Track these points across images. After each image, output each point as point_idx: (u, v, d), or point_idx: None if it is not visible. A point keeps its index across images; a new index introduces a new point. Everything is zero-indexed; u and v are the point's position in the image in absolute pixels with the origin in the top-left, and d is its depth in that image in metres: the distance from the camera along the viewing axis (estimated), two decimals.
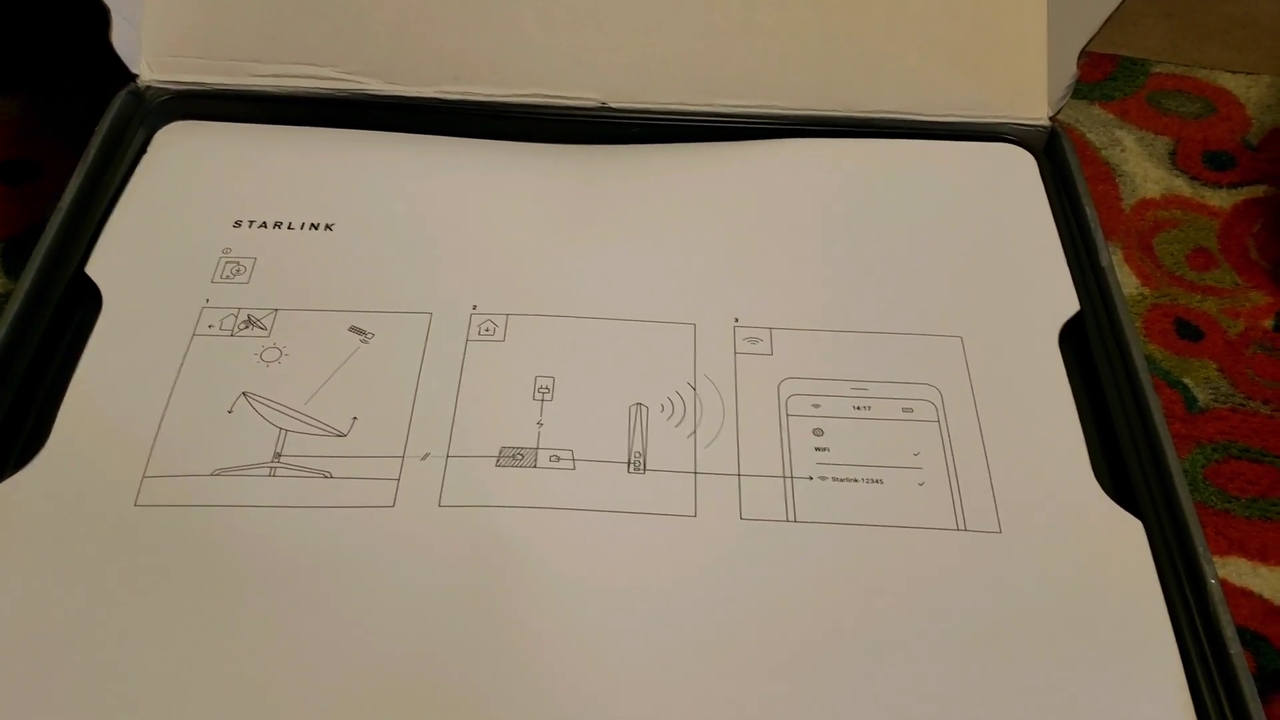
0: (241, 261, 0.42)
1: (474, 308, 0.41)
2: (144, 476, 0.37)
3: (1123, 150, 0.60)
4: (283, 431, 0.38)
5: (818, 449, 0.39)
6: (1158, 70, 0.63)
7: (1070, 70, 0.47)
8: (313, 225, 0.44)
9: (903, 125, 0.48)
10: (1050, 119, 0.48)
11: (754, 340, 0.41)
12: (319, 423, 0.38)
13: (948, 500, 0.37)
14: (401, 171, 0.46)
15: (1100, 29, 0.45)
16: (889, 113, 0.48)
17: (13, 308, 0.40)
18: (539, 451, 0.38)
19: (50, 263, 0.42)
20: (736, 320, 0.42)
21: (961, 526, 0.37)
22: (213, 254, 0.43)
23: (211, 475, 0.37)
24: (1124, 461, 0.39)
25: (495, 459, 0.38)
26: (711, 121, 0.48)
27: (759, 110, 0.48)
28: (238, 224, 0.44)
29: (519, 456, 0.38)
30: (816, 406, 0.40)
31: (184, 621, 0.34)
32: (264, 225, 0.44)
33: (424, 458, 0.37)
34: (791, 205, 0.46)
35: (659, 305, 0.42)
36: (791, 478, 0.38)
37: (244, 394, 0.39)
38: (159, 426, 0.38)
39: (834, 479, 0.38)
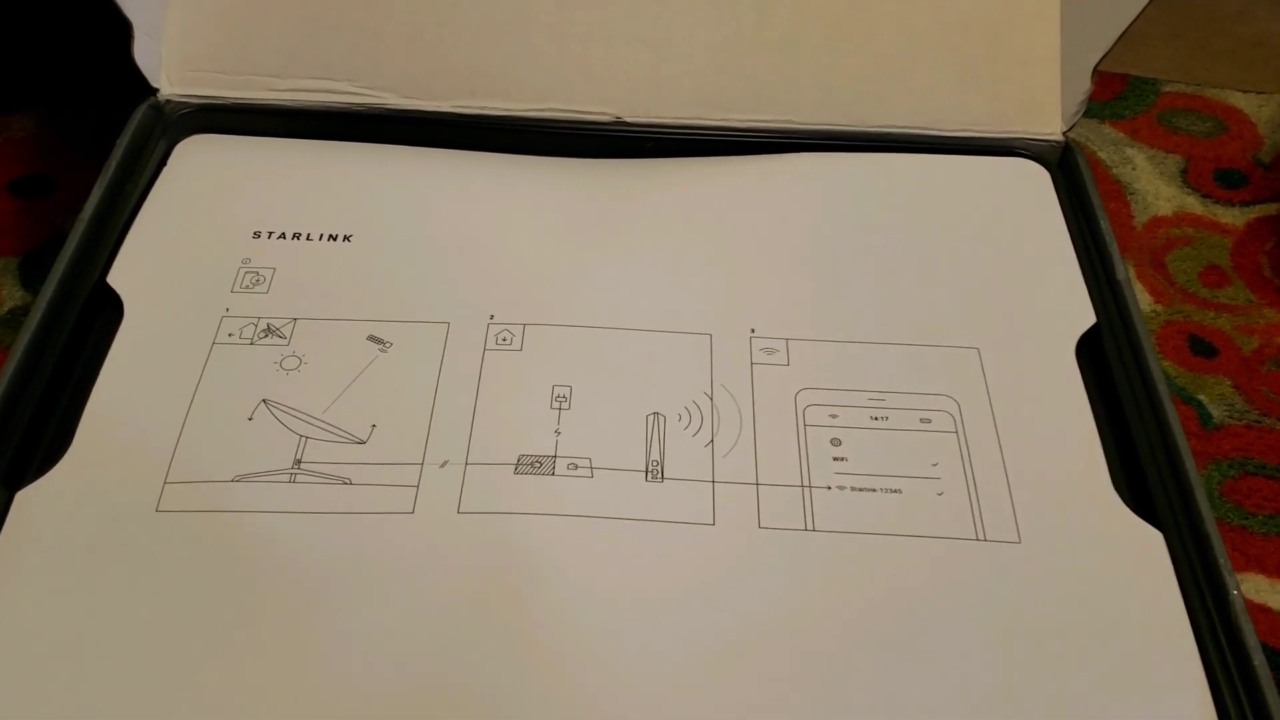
0: (261, 271, 0.43)
1: (491, 318, 0.42)
2: (165, 482, 0.37)
3: (1134, 168, 0.60)
4: (303, 438, 0.38)
5: (836, 459, 0.38)
6: (1168, 90, 0.64)
7: (1084, 85, 0.47)
8: (331, 236, 0.44)
9: (915, 140, 0.49)
10: (1063, 134, 0.49)
11: (770, 351, 0.41)
12: (339, 430, 0.38)
13: (967, 510, 0.37)
14: (419, 184, 0.46)
15: (1115, 44, 0.45)
16: (901, 128, 0.48)
17: (35, 317, 0.40)
18: (557, 459, 0.38)
19: (71, 273, 0.42)
20: (753, 331, 0.42)
21: (981, 537, 0.37)
22: (232, 264, 0.43)
23: (232, 481, 0.37)
24: (1143, 472, 0.39)
25: (513, 466, 0.38)
26: (724, 135, 0.48)
27: (771, 125, 0.48)
28: (257, 235, 0.44)
29: (537, 464, 0.38)
30: (834, 417, 0.40)
31: (204, 626, 0.34)
32: (283, 236, 0.44)
33: (443, 465, 0.37)
34: (807, 218, 0.46)
35: (675, 316, 0.42)
36: (809, 487, 0.38)
37: (264, 401, 0.39)
38: (180, 433, 0.38)
39: (852, 489, 0.38)
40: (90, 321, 0.41)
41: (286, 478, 0.37)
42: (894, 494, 0.38)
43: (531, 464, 0.38)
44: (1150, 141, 0.61)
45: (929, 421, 0.40)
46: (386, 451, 0.38)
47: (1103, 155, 0.60)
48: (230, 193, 0.46)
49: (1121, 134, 0.61)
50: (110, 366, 0.39)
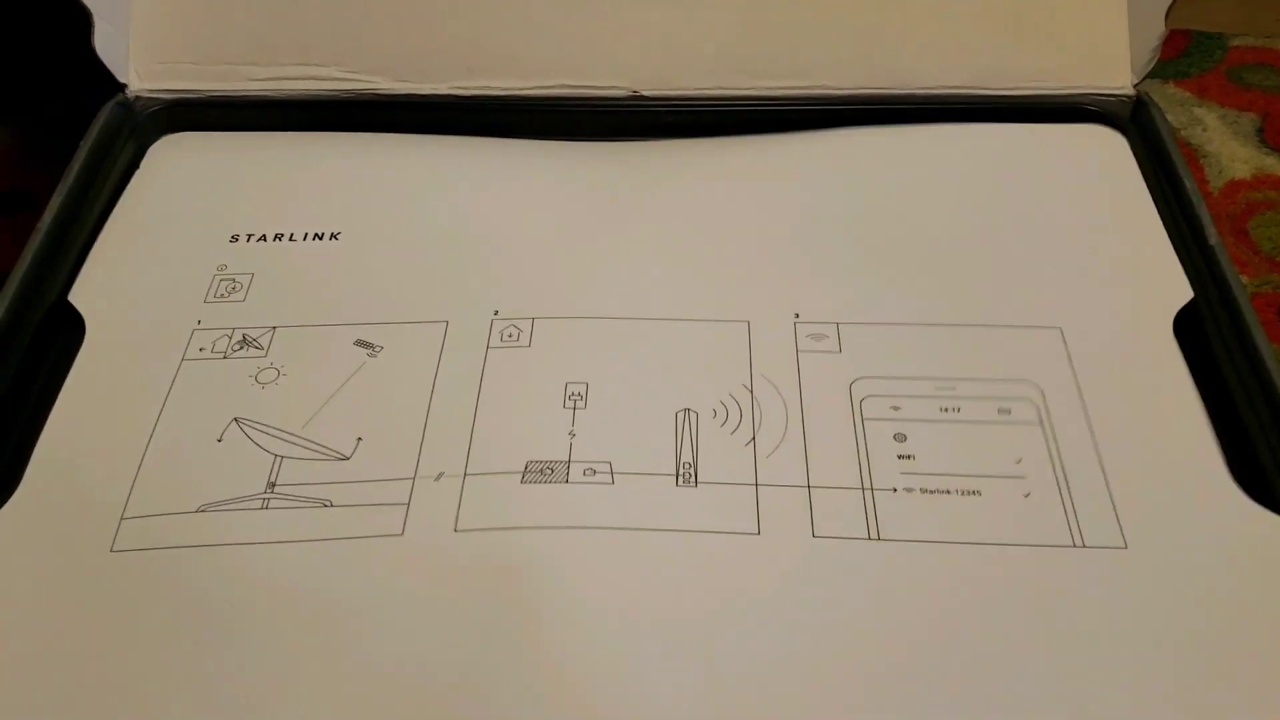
0: (238, 278, 0.38)
1: (495, 313, 0.37)
2: (122, 518, 0.32)
3: (1205, 130, 0.55)
4: (278, 458, 0.33)
5: (901, 456, 0.33)
6: (1236, 44, 0.59)
7: (1157, 30, 0.42)
8: (316, 235, 0.40)
9: (968, 101, 0.43)
10: (1134, 87, 0.43)
11: (819, 337, 0.36)
12: (318, 446, 0.34)
13: (1060, 513, 0.32)
14: (414, 173, 0.42)
15: None
16: (952, 88, 0.43)
17: None
18: (571, 465, 0.33)
19: (28, 288, 0.38)
20: (797, 316, 0.37)
21: (1078, 543, 0.32)
22: (206, 271, 0.39)
23: (196, 512, 0.32)
24: (1257, 458, 0.34)
25: (520, 475, 0.33)
26: (754, 106, 0.43)
27: (806, 92, 0.43)
28: (234, 238, 0.40)
29: (548, 471, 0.33)
30: (896, 409, 0.35)
31: (168, 679, 0.29)
32: (263, 238, 0.40)
33: (437, 478, 0.33)
34: (857, 195, 0.41)
35: (707, 302, 0.37)
36: (872, 489, 0.33)
37: (235, 420, 0.34)
38: (140, 463, 0.33)
39: (922, 490, 0.33)
40: (49, 342, 0.37)
41: (259, 504, 0.32)
42: (972, 496, 0.32)
43: (541, 471, 0.33)
44: (1221, 100, 0.56)
45: (1008, 412, 0.34)
46: (373, 467, 0.33)
47: (1170, 117, 0.55)
48: (206, 193, 0.41)
49: (1188, 93, 0.56)
50: (68, 393, 0.35)
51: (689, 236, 0.40)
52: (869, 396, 0.35)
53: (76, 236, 0.40)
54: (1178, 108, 0.56)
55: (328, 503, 0.33)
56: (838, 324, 0.37)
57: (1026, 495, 0.33)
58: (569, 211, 0.40)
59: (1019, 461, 0.33)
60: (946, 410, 0.34)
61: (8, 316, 0.37)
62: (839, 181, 0.42)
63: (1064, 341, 0.36)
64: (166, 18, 0.43)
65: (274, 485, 0.33)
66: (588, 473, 0.33)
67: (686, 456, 0.33)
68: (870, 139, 0.43)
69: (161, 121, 0.44)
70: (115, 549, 0.32)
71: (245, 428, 0.34)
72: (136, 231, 0.40)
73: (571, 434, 0.34)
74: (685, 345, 0.36)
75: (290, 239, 0.40)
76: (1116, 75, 0.43)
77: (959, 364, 0.36)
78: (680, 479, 0.33)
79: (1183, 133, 0.54)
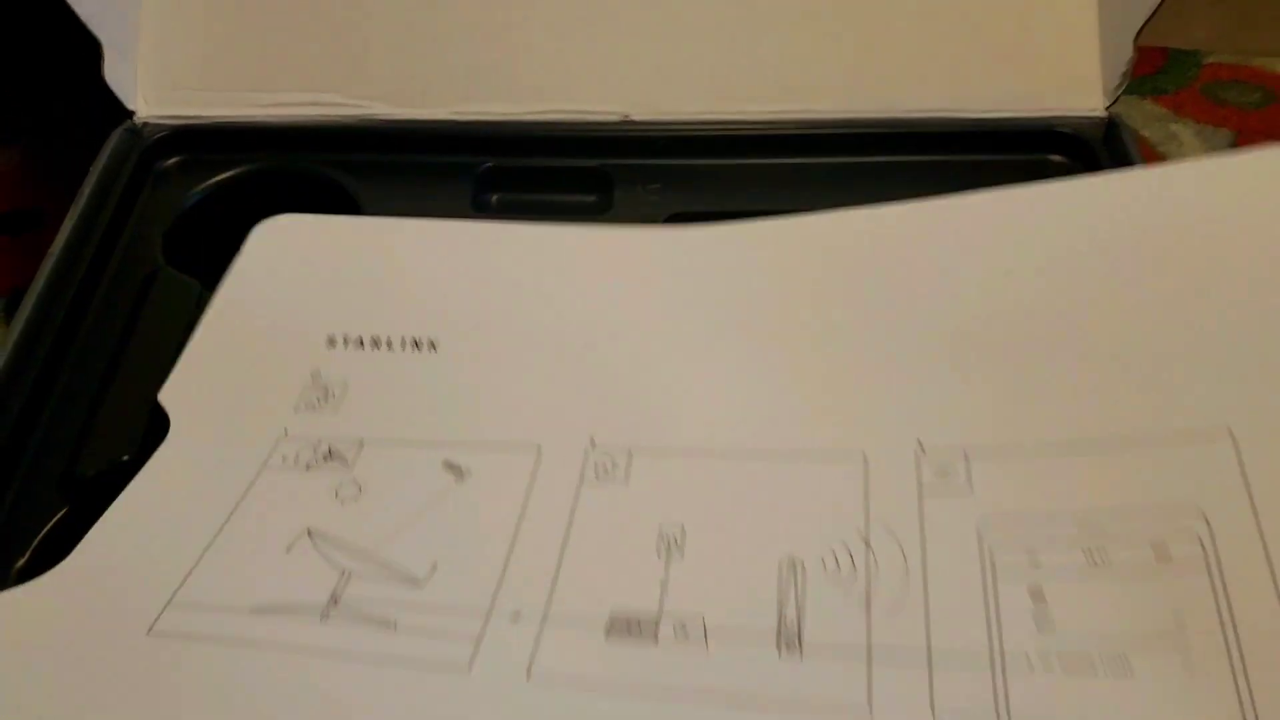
0: (330, 387, 0.36)
1: (591, 442, 0.34)
2: (169, 603, 0.30)
3: (1180, 145, 0.56)
4: (345, 573, 0.31)
5: (1037, 620, 0.28)
6: (1211, 61, 0.60)
7: (1126, 54, 0.43)
8: (415, 343, 0.37)
9: (946, 125, 0.45)
10: (1106, 109, 0.45)
11: (945, 472, 0.32)
12: (390, 566, 0.32)
13: (1230, 688, 0.26)
14: (513, 269, 0.40)
15: (1159, 7, 0.42)
16: (931, 112, 0.45)
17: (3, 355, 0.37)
18: (661, 620, 0.29)
19: (41, 313, 0.39)
20: (920, 444, 0.33)
21: None
22: (300, 377, 0.36)
23: (249, 612, 0.30)
24: None
25: (605, 627, 0.29)
26: (742, 130, 0.45)
27: (792, 116, 0.45)
28: (331, 342, 0.37)
29: (635, 626, 0.30)
30: (1033, 556, 0.30)
31: None
32: (360, 343, 0.37)
33: (514, 617, 0.30)
34: (990, 284, 0.36)
35: (818, 429, 0.34)
36: (1004, 665, 0.28)
37: (308, 531, 0.32)
38: (200, 558, 0.31)
39: (1062, 668, 0.27)
40: (59, 360, 0.38)
41: (317, 615, 0.30)
42: (1121, 670, 0.27)
43: (628, 625, 0.30)
44: (1196, 116, 0.57)
45: (1165, 552, 0.29)
46: (446, 594, 0.30)
47: (1146, 133, 0.57)
48: (304, 288, 0.39)
49: (1165, 109, 0.58)
50: (137, 485, 0.33)
51: (800, 346, 0.36)
52: (1002, 543, 0.30)
53: (85, 257, 0.41)
54: (1154, 123, 0.57)
55: (392, 624, 0.30)
56: (966, 453, 0.32)
57: (1186, 666, 0.27)
58: (670, 315, 0.38)
59: (1179, 618, 0.28)
60: (1091, 555, 0.29)
61: (23, 337, 0.38)
62: (968, 270, 0.37)
63: (1236, 449, 0.30)
64: (172, 46, 0.45)
65: (337, 600, 0.31)
66: (678, 631, 0.29)
67: (791, 616, 0.29)
68: (999, 206, 0.38)
69: (167, 147, 0.45)
70: (154, 631, 0.29)
71: (317, 541, 0.32)
72: (233, 329, 0.38)
73: (663, 584, 0.30)
74: (794, 483, 0.32)
75: (388, 346, 0.37)
76: (1088, 97, 0.45)
77: (1107, 491, 0.30)
78: (783, 643, 0.29)
79: (1159, 148, 0.56)
